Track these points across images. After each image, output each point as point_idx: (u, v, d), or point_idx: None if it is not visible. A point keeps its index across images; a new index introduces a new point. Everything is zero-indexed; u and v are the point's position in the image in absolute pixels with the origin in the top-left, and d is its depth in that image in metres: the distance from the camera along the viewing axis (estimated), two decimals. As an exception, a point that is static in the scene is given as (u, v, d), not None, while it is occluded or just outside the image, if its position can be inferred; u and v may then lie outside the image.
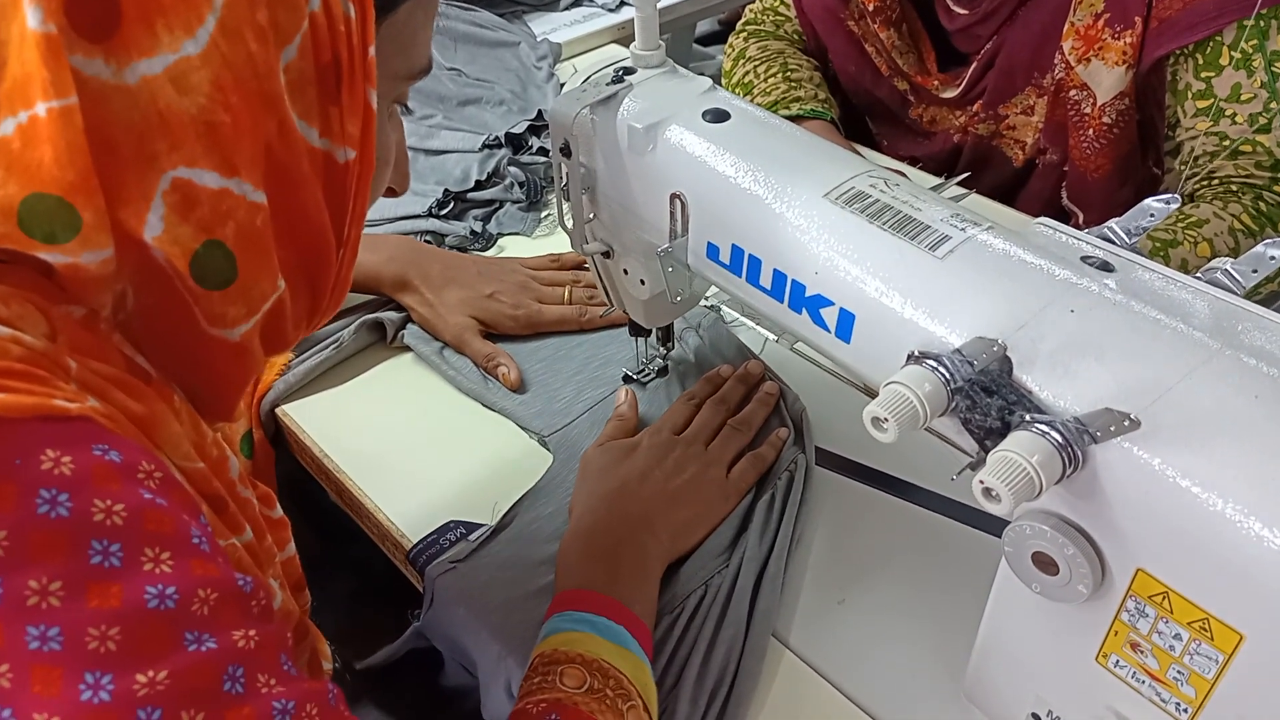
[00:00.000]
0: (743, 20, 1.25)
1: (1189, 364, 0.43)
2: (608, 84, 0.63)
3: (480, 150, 1.08)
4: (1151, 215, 0.53)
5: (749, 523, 0.70)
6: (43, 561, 0.33)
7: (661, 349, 0.82)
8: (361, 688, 0.78)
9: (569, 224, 0.69)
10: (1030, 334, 0.46)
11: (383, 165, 0.50)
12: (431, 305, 0.86)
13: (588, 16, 1.42)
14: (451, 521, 0.71)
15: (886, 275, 0.51)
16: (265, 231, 0.42)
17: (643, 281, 0.71)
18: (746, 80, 1.17)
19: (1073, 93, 0.99)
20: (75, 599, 0.33)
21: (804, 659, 0.64)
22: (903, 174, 0.65)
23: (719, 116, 0.60)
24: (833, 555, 0.70)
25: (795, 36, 1.21)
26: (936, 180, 0.87)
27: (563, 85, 1.23)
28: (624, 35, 1.40)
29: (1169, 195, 0.53)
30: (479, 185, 1.04)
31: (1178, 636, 0.43)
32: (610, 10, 1.43)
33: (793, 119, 1.06)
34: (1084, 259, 0.50)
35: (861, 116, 1.22)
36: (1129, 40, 0.93)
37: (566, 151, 0.64)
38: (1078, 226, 0.54)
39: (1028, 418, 0.42)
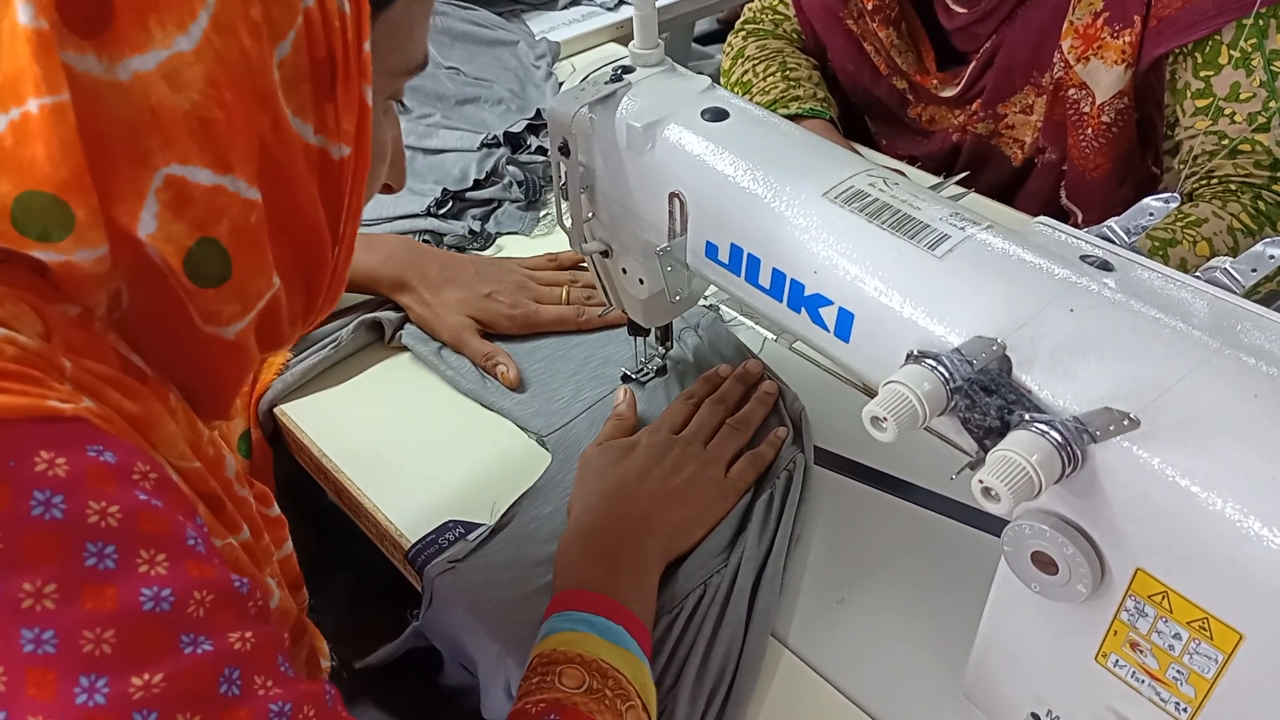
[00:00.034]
0: (741, 19, 1.25)
1: (1188, 363, 0.43)
2: (606, 83, 0.63)
3: (479, 149, 1.08)
4: (1150, 214, 0.53)
5: (748, 522, 0.70)
6: (37, 564, 0.33)
7: (660, 348, 0.82)
8: (361, 687, 0.78)
9: (568, 223, 0.69)
10: (1029, 333, 0.46)
11: (378, 162, 0.50)
12: (429, 305, 0.86)
13: (586, 15, 1.42)
14: (450, 521, 0.71)
15: (885, 274, 0.51)
16: (260, 229, 0.42)
17: (641, 281, 0.71)
18: (745, 79, 1.17)
19: (1071, 92, 0.99)
20: (70, 602, 0.33)
21: (803, 659, 0.64)
22: (902, 173, 0.65)
23: (718, 115, 0.60)
24: (832, 555, 0.70)
25: (794, 35, 1.21)
26: (935, 179, 0.87)
27: (561, 84, 1.23)
28: (623, 34, 1.40)
29: (1168, 194, 0.53)
30: (477, 184, 1.04)
31: (1177, 636, 0.43)
32: (609, 9, 1.43)
33: (791, 118, 1.05)
34: (1083, 258, 0.50)
35: (860, 116, 1.22)
36: (1128, 39, 0.93)
37: (565, 150, 0.64)
38: (1076, 226, 0.53)
39: (1027, 417, 0.42)
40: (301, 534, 0.62)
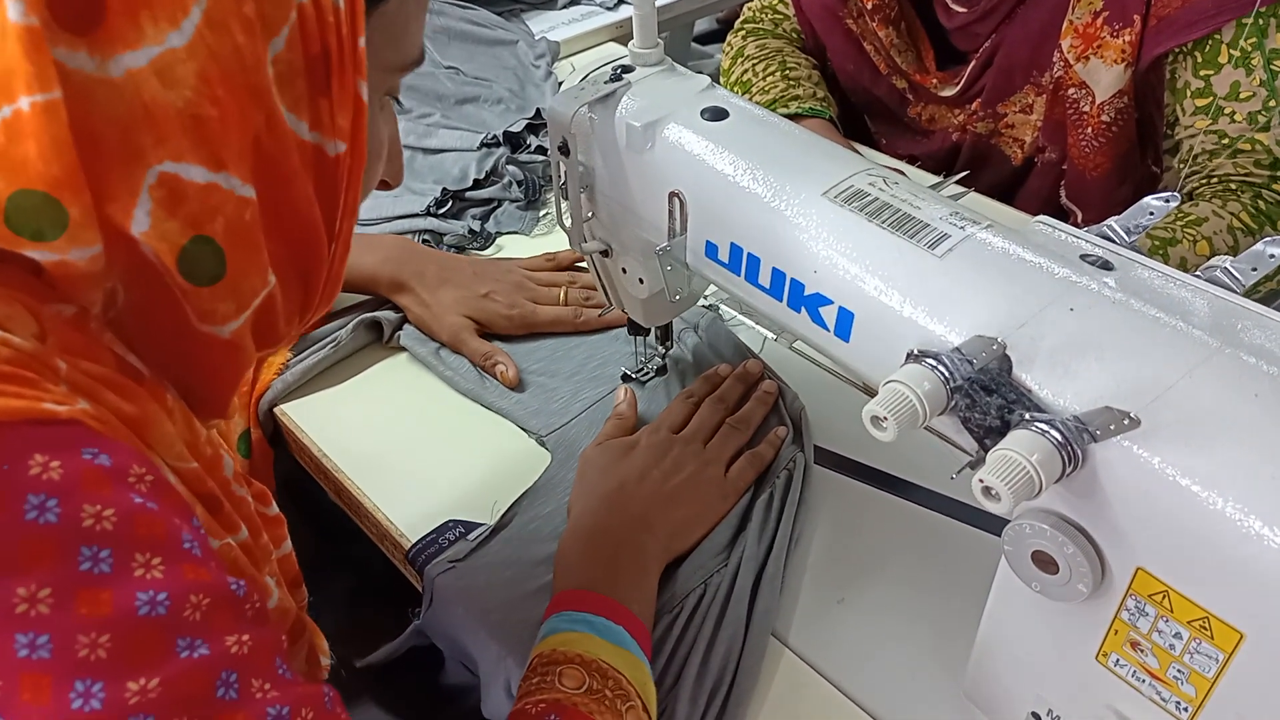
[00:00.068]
0: (741, 18, 1.25)
1: (1189, 362, 0.43)
2: (606, 82, 0.63)
3: (478, 149, 1.08)
4: (1150, 213, 0.53)
5: (747, 522, 0.70)
6: (31, 569, 0.33)
7: (660, 348, 0.82)
8: (362, 686, 0.78)
9: (567, 223, 0.69)
10: (1029, 332, 0.46)
11: (374, 158, 0.49)
12: (427, 306, 0.86)
13: (586, 15, 1.42)
14: (450, 521, 0.71)
15: (885, 274, 0.51)
16: (254, 226, 0.41)
17: (641, 280, 0.71)
18: (745, 78, 1.17)
19: (1071, 91, 0.99)
20: (65, 606, 0.33)
21: (804, 658, 0.64)
22: (901, 172, 0.65)
23: (717, 115, 0.60)
24: (832, 554, 0.70)
25: (794, 35, 1.21)
26: (935, 179, 0.87)
27: (561, 83, 1.23)
28: (622, 33, 1.40)
29: (1168, 194, 0.53)
30: (477, 184, 1.04)
31: (1178, 635, 0.43)
32: (608, 8, 1.43)
33: (791, 117, 1.06)
34: (1083, 257, 0.50)
35: (860, 115, 1.22)
36: (1128, 38, 0.93)
37: (565, 150, 0.64)
38: (1076, 225, 0.53)
39: (1027, 416, 0.42)
40: (302, 534, 0.62)
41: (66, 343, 0.38)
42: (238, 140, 0.39)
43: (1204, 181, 0.97)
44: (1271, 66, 0.90)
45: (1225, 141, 0.94)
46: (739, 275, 0.59)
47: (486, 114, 1.16)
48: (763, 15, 1.22)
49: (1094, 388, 0.43)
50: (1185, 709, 0.45)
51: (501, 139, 1.09)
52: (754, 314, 0.88)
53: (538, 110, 1.13)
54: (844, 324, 0.53)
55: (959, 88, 1.07)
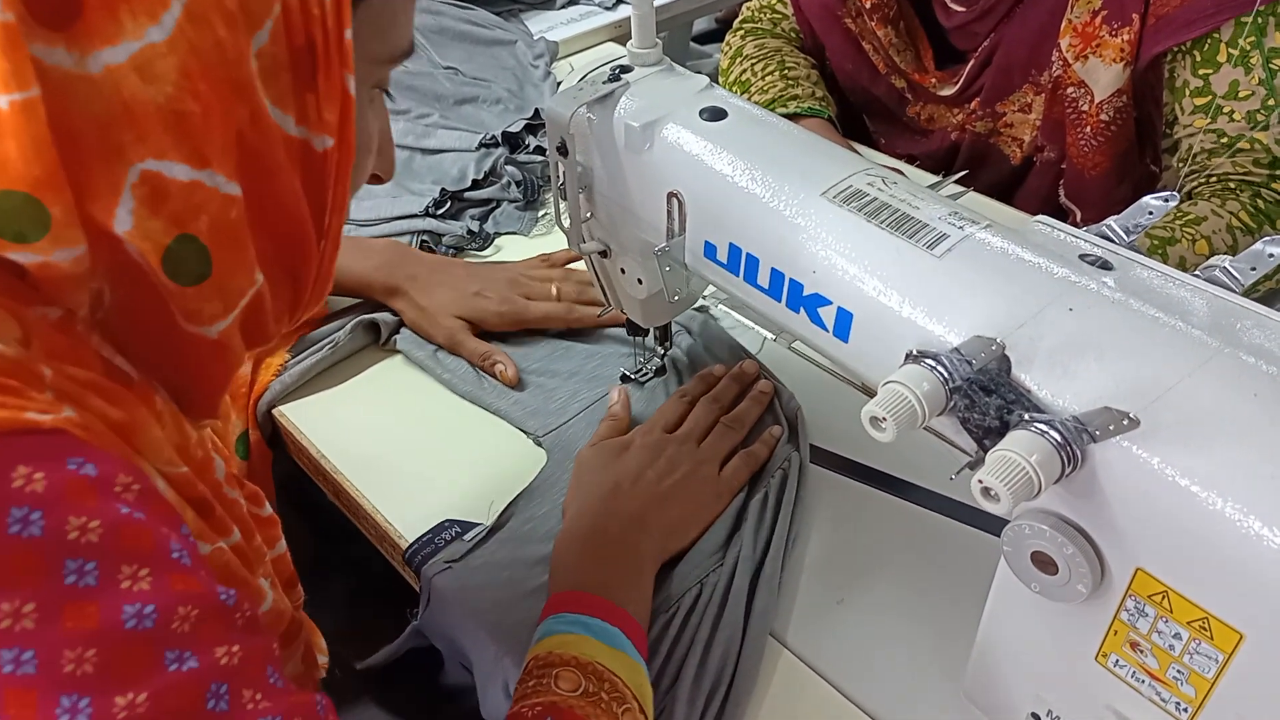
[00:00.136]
0: (740, 18, 1.25)
1: (1188, 362, 0.43)
2: (604, 82, 0.62)
3: (477, 149, 1.07)
4: (1150, 213, 0.53)
5: (743, 521, 0.70)
6: (16, 584, 0.32)
7: (659, 348, 0.82)
8: (361, 687, 0.78)
9: (566, 223, 0.69)
10: (1029, 332, 0.45)
11: (364, 153, 0.49)
12: (422, 309, 0.86)
13: (584, 15, 1.41)
14: (447, 521, 0.71)
15: (884, 274, 0.51)
16: (240, 224, 0.41)
17: (640, 281, 0.70)
18: (744, 78, 1.16)
19: (1070, 90, 0.99)
20: (50, 621, 0.33)
21: (803, 659, 0.64)
22: (900, 172, 0.65)
23: (716, 115, 0.60)
24: (831, 555, 0.70)
25: (792, 34, 1.21)
26: (934, 178, 0.87)
27: (559, 84, 1.23)
28: (621, 33, 1.40)
29: (1167, 193, 0.53)
30: (476, 184, 1.04)
31: (1177, 636, 0.43)
32: (607, 8, 1.43)
33: (790, 117, 1.06)
34: (1082, 257, 0.50)
35: (859, 114, 1.22)
36: (1126, 37, 0.93)
37: (563, 150, 0.64)
38: (1075, 224, 0.53)
39: (1026, 417, 0.42)
40: (300, 535, 0.62)
41: (52, 347, 0.38)
42: (221, 136, 0.38)
43: (1203, 181, 0.97)
44: (1270, 65, 0.90)
45: (1224, 140, 0.94)
46: (738, 276, 0.59)
47: (485, 114, 1.16)
48: (761, 15, 1.22)
49: (1093, 388, 0.43)
50: (1185, 709, 0.45)
51: (500, 139, 1.09)
52: (752, 314, 0.88)
53: (536, 110, 1.13)
54: (843, 324, 0.53)
55: (958, 87, 1.07)
